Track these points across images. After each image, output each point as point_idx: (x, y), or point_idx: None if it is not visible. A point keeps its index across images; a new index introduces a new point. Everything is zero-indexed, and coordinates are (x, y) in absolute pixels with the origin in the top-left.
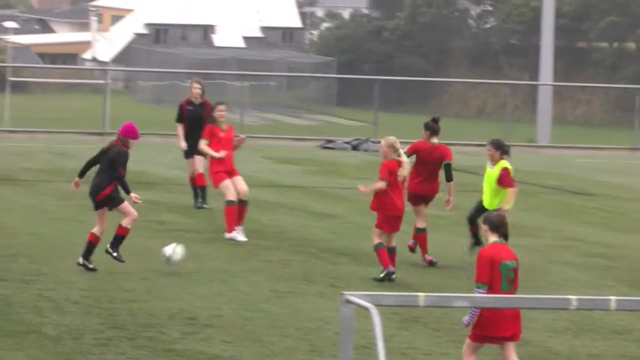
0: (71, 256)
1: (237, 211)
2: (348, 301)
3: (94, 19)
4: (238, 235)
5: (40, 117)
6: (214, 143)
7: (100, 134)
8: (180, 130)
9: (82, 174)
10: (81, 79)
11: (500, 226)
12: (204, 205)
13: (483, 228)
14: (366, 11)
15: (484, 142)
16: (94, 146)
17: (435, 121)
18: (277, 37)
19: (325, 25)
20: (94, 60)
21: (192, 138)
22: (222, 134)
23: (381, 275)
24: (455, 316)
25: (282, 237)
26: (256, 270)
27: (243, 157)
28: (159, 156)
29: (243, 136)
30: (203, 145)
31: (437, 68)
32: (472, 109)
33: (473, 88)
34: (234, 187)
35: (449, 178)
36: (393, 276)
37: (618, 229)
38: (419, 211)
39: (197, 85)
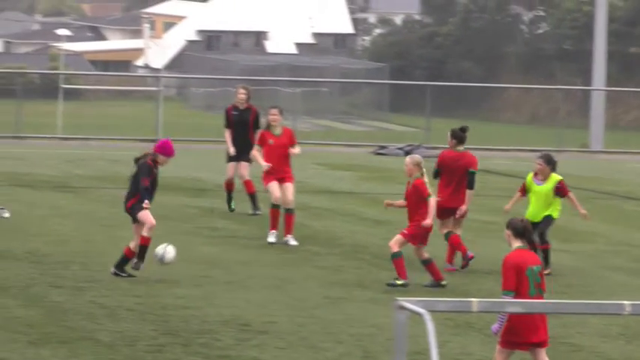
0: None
1: (277, 215)
2: (402, 307)
3: (146, 26)
4: (270, 236)
5: (93, 124)
6: (264, 150)
7: (153, 141)
8: (228, 135)
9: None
10: (133, 86)
11: (524, 232)
12: (257, 212)
13: (506, 233)
14: (418, 17)
15: (537, 148)
16: None
17: (463, 130)
18: (329, 43)
19: (377, 30)
20: (147, 67)
21: (237, 143)
22: (271, 141)
23: (398, 283)
24: None
25: (335, 243)
26: (309, 276)
27: (296, 163)
28: (211, 162)
29: (296, 151)
30: (255, 151)
31: (489, 74)
32: (525, 115)
33: (525, 94)
34: (279, 192)
35: (470, 187)
36: (444, 282)
37: None
38: (447, 222)
39: (242, 91)
